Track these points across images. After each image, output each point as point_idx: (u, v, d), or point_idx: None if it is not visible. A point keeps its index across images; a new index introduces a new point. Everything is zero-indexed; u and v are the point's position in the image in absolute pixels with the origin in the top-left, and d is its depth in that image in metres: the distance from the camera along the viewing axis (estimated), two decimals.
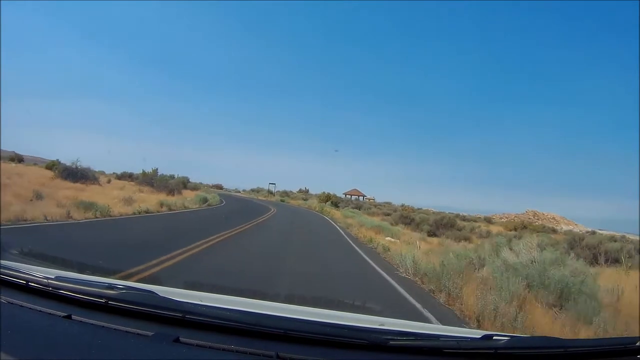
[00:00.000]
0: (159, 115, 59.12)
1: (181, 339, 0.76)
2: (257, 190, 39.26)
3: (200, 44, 49.16)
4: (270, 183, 36.38)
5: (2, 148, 13.57)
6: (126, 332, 0.78)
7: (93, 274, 1.23)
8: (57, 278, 0.97)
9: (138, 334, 0.77)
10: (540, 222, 24.76)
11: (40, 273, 0.99)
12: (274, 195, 35.98)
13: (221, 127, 60.24)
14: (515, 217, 24.20)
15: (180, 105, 56.68)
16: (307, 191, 39.59)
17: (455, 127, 46.68)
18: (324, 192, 29.33)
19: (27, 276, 0.96)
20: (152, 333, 0.78)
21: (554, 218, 27.49)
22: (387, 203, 33.74)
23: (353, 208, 23.27)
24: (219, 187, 41.47)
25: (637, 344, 0.79)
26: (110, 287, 0.93)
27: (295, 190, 38.65)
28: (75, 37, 45.36)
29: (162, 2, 41.77)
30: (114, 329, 0.79)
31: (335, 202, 27.22)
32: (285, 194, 36.54)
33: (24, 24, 41.43)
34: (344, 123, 54.45)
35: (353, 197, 34.77)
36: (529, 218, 25.19)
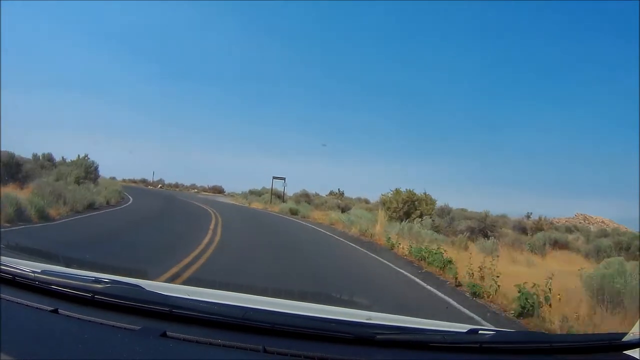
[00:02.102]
0: (170, 117, 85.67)
1: (168, 333, 1.19)
2: (258, 193, 38.62)
3: (212, 46, 73.05)
4: (275, 178, 34.19)
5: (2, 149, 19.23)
6: (113, 326, 1.22)
7: (79, 267, 1.85)
8: (44, 272, 1.51)
9: (125, 328, 1.21)
10: (591, 226, 32.12)
11: (27, 267, 1.55)
12: (284, 200, 33.73)
13: (237, 130, 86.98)
14: (566, 221, 30.68)
15: (191, 108, 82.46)
16: (342, 194, 38.87)
17: (499, 125, 67.43)
18: (397, 191, 21.15)
19: (13, 270, 1.51)
20: (139, 327, 1.21)
21: (602, 222, 36.22)
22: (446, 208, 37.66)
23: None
24: (219, 190, 54.72)
25: (623, 340, 1.22)
26: (97, 281, 1.46)
27: (323, 193, 38.20)
28: (73, 34, 68.44)
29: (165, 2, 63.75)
30: (101, 323, 1.23)
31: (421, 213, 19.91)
32: (306, 196, 34.36)
33: (31, 25, 61.57)
34: (362, 125, 76.92)
35: None
36: (580, 222, 33.49)
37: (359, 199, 38.32)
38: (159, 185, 57.63)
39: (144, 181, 59.50)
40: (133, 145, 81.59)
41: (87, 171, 23.40)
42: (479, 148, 70.66)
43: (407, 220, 18.00)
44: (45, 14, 63.79)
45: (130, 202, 20.76)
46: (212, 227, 12.62)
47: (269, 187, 37.01)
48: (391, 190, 22.16)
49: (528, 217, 30.40)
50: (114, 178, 50.11)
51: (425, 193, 21.85)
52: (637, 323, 1.35)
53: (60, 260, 2.23)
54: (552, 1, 50.29)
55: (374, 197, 37.85)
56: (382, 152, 76.88)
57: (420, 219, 18.76)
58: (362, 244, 13.42)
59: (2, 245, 2.37)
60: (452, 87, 67.87)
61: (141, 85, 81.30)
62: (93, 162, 24.67)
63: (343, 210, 27.27)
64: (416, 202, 20.76)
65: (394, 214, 19.68)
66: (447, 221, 20.72)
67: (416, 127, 74.83)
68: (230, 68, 78.36)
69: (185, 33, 72.49)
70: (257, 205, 33.56)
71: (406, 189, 21.62)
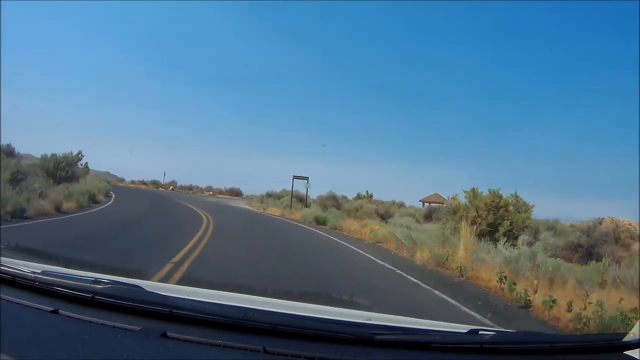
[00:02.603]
0: (186, 119, 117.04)
1: (168, 333, 1.49)
2: (276, 196, 42.15)
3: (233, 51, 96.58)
4: (296, 177, 36.05)
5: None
6: (113, 327, 1.54)
7: (79, 268, 2.28)
8: (44, 272, 1.91)
9: (125, 328, 1.52)
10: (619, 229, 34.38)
11: (27, 267, 1.96)
12: (307, 204, 35.57)
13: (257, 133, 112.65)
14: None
15: (207, 109, 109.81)
16: (370, 197, 43.23)
17: (499, 125, 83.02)
18: (474, 193, 17.21)
19: (13, 271, 1.92)
20: (139, 328, 1.53)
21: (630, 224, 41.28)
22: None
23: None
24: (236, 193, 64.01)
25: (623, 340, 1.49)
26: (97, 281, 1.84)
27: (350, 195, 41.45)
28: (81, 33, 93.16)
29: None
30: (101, 324, 1.55)
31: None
32: (334, 200, 35.63)
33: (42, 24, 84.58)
34: (383, 128, 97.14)
35: (432, 205, 43.04)
36: (607, 225, 36.48)
37: (393, 203, 38.65)
38: (170, 187, 64.26)
39: (154, 183, 66.64)
40: (150, 147, 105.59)
41: (57, 167, 24.24)
42: (482, 148, 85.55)
43: (508, 241, 13.82)
44: (62, 17, 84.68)
45: (96, 210, 20.09)
46: (178, 257, 9.89)
47: (289, 188, 38.07)
48: (464, 191, 18.09)
49: (600, 222, 29.81)
50: (122, 179, 62.66)
51: (515, 194, 17.81)
52: (638, 323, 1.64)
53: (60, 261, 2.69)
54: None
55: (407, 200, 40.34)
56: (409, 154, 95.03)
57: (535, 239, 15.18)
58: (459, 293, 9.50)
59: (1, 246, 2.88)
60: (457, 87, 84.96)
61: (156, 87, 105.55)
62: (69, 158, 25.60)
63: (383, 218, 27.01)
64: (501, 209, 17.06)
65: (474, 226, 15.22)
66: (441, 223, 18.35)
67: (431, 128, 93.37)
68: (245, 69, 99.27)
69: (200, 36, 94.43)
70: (274, 210, 34.43)
71: (488, 190, 17.52)
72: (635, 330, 1.61)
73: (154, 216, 20.25)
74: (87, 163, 34.43)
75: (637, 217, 40.15)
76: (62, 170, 24.66)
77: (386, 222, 24.37)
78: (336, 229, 22.73)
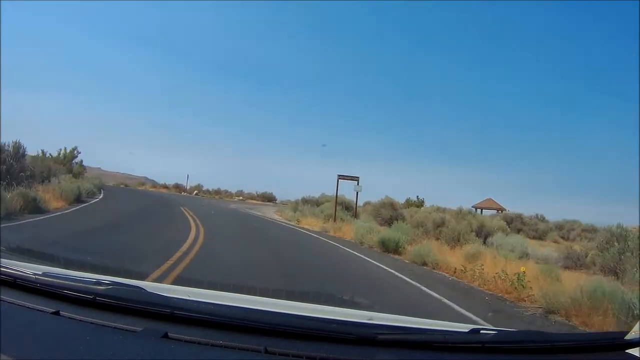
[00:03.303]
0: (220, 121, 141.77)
1: (170, 334, 1.84)
2: (315, 202, 42.25)
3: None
4: (341, 177, 34.51)
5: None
6: (114, 328, 1.91)
7: (80, 269, 2.73)
8: (45, 274, 2.34)
9: (126, 329, 1.90)
10: None
11: (28, 269, 2.40)
12: (356, 214, 34.23)
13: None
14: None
15: (239, 110, 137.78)
16: (421, 203, 47.81)
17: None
18: None
19: (14, 272, 2.35)
20: (141, 329, 1.91)
21: None
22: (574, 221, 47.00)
23: None
24: (268, 198, 75.17)
25: (624, 338, 1.81)
26: (98, 282, 2.26)
27: (401, 200, 42.26)
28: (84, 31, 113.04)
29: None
30: (102, 325, 1.92)
31: None
32: (392, 208, 34.95)
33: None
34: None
35: (484, 211, 50.06)
36: None
37: (460, 211, 31.12)
38: (195, 192, 73.68)
39: (177, 187, 76.23)
40: (183, 151, 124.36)
41: None
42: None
43: None
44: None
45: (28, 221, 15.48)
46: None
47: (330, 193, 35.82)
48: None
49: None
50: (151, 181, 78.61)
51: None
52: (638, 322, 1.82)
53: (61, 262, 3.06)
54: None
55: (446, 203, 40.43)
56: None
57: None
58: None
59: (2, 248, 3.47)
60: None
61: (190, 89, 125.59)
62: (17, 149, 23.02)
63: (477, 235, 23.70)
64: None
65: None
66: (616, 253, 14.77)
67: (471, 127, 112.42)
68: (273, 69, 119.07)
69: (223, 33, 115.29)
70: (310, 222, 31.11)
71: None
72: (636, 328, 1.87)
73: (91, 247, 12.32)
74: (81, 161, 35.90)
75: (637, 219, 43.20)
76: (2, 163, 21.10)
77: (485, 243, 20.83)
78: (425, 264, 16.26)
